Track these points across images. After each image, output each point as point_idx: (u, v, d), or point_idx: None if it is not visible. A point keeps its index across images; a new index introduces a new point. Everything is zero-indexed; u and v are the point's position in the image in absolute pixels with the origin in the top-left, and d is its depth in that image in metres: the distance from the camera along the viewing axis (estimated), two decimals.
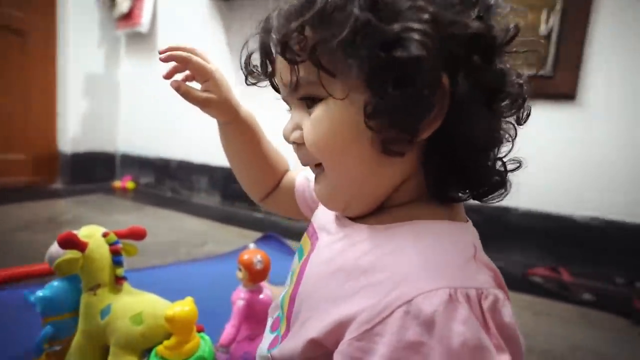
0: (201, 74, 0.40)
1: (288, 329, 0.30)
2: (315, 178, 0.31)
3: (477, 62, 0.23)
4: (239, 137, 0.44)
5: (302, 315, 0.29)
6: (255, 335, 0.52)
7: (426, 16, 0.22)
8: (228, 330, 0.50)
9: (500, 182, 0.27)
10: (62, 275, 0.50)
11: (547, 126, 1.13)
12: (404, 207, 0.29)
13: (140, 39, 1.94)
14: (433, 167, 0.27)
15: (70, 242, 0.48)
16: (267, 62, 0.31)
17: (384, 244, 0.26)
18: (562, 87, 1.10)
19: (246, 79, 0.36)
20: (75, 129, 1.92)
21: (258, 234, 1.34)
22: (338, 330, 0.24)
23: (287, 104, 0.32)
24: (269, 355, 0.31)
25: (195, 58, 0.39)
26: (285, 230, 1.42)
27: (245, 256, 0.53)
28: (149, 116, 1.99)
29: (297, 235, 1.29)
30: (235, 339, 0.50)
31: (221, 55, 1.70)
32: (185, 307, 0.47)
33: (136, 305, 0.50)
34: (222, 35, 1.70)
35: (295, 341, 0.28)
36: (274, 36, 0.28)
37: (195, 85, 0.42)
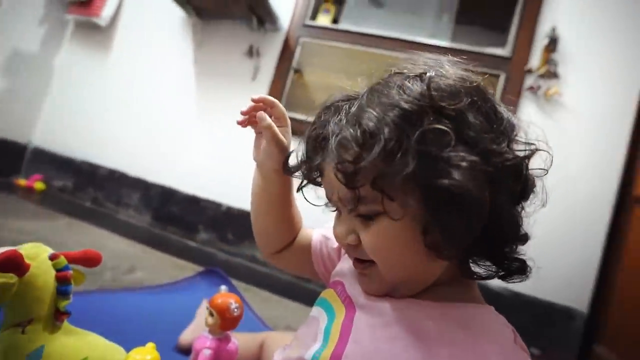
0: (282, 119, 0.44)
1: None
2: (363, 271, 0.35)
3: (514, 183, 0.29)
4: (280, 187, 0.45)
5: None
6: None
7: (473, 156, 0.27)
8: None
9: (521, 267, 0.32)
10: None
11: None
12: (443, 287, 0.33)
13: (93, 30, 1.77)
14: (469, 257, 0.32)
15: (14, 264, 0.39)
16: (315, 177, 0.36)
17: (444, 319, 0.30)
18: None
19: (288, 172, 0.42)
20: None
21: (194, 266, 1.23)
22: None
23: (333, 206, 0.36)
24: None
25: (280, 105, 0.45)
26: (222, 264, 1.34)
27: (219, 300, 0.49)
28: (82, 113, 1.77)
29: (234, 271, 1.23)
30: None
31: (186, 72, 1.64)
32: (146, 356, 0.41)
33: (79, 350, 0.41)
34: (190, 52, 1.65)
35: None
36: (333, 163, 0.31)
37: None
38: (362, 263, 0.34)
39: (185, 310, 0.78)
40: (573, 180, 1.29)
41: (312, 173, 0.36)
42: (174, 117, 1.64)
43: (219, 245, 1.49)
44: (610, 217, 1.26)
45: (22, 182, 1.66)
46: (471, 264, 0.33)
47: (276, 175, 0.44)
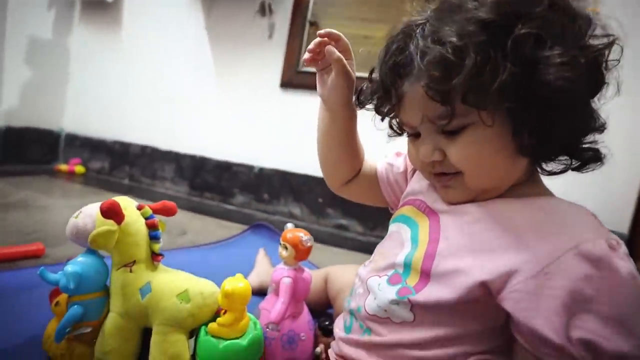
0: (347, 52, 0.44)
1: (425, 280, 0.35)
2: (447, 183, 0.37)
3: (595, 75, 0.30)
4: (346, 120, 0.47)
5: (451, 267, 0.33)
6: (297, 314, 0.52)
7: (570, 52, 0.28)
8: (278, 307, 0.49)
9: (595, 156, 0.34)
10: (98, 249, 0.45)
11: None
12: (518, 187, 0.35)
13: (101, 8, 1.75)
14: (551, 152, 0.34)
15: (114, 212, 0.43)
16: (394, 100, 0.36)
17: (528, 208, 0.33)
18: None
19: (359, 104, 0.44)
20: (11, 100, 1.66)
21: (237, 225, 1.30)
22: (506, 276, 0.29)
23: (410, 131, 0.38)
24: (407, 299, 0.35)
25: (344, 37, 0.45)
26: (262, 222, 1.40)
27: (289, 235, 0.53)
28: (105, 94, 1.80)
29: (274, 226, 1.28)
30: (285, 315, 0.49)
31: (198, 38, 1.62)
32: (239, 282, 0.46)
33: (180, 283, 0.47)
34: (201, 18, 1.62)
35: (448, 287, 0.33)
36: (423, 83, 0.32)
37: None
38: (446, 176, 0.36)
39: (245, 261, 0.84)
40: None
41: (389, 101, 0.37)
42: (194, 86, 1.65)
43: (255, 205, 1.55)
44: None
45: (63, 167, 1.74)
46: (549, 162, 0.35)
47: (342, 108, 0.46)
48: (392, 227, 0.43)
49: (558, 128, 0.30)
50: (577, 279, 0.27)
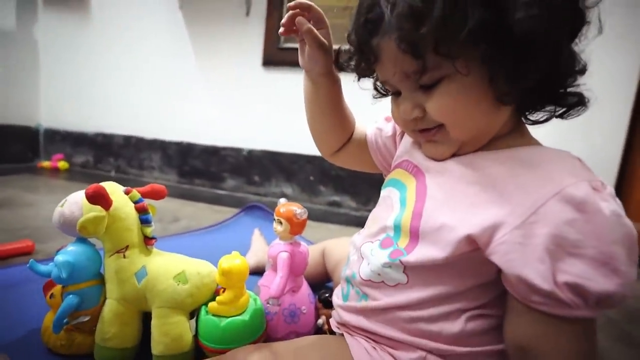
0: (320, 21, 0.43)
1: (415, 241, 0.35)
2: (432, 138, 0.36)
3: (572, 15, 0.29)
4: (330, 89, 0.46)
5: (437, 224, 0.33)
6: (297, 288, 0.53)
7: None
8: (277, 282, 0.49)
9: (579, 100, 0.33)
10: (87, 236, 0.44)
11: None
12: (503, 138, 0.35)
13: None
14: (532, 99, 0.33)
15: (100, 196, 0.42)
16: (370, 58, 0.35)
17: (510, 161, 0.32)
18: None
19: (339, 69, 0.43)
20: None
21: (229, 209, 1.29)
22: (491, 229, 0.29)
23: (390, 89, 0.37)
24: (399, 261, 0.35)
25: (316, 6, 0.43)
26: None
27: (282, 209, 0.53)
28: (80, 84, 1.73)
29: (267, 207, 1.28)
30: (285, 290, 0.50)
31: (173, 19, 1.56)
32: (236, 259, 0.45)
33: (176, 265, 0.46)
34: (176, 5, 1.54)
35: (437, 245, 0.33)
36: (394, 37, 0.31)
37: None
38: (429, 131, 0.36)
39: (240, 242, 0.84)
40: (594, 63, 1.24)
41: (367, 60, 0.36)
42: (173, 69, 1.59)
43: (246, 188, 1.54)
44: (637, 87, 1.23)
45: (46, 164, 1.69)
46: (533, 112, 0.34)
47: (324, 78, 0.45)
48: (383, 192, 0.43)
49: (535, 72, 0.29)
50: (561, 224, 0.27)
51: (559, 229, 0.27)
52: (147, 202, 0.51)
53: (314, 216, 1.31)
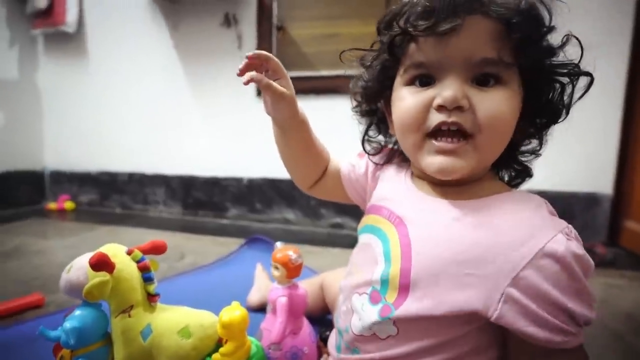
0: (279, 71, 0.44)
1: (405, 295, 0.35)
2: (456, 148, 0.34)
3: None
4: (297, 131, 0.48)
5: (426, 283, 0.34)
6: (297, 329, 0.54)
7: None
8: (278, 327, 0.51)
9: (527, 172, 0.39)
10: (93, 300, 0.46)
11: None
12: (477, 184, 0.37)
13: (64, 40, 1.73)
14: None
15: (104, 264, 0.45)
16: (448, 26, 0.32)
17: (489, 217, 0.34)
18: None
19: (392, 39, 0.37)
20: None
21: (232, 240, 1.31)
22: (482, 303, 0.32)
23: (431, 73, 0.34)
24: (391, 318, 0.36)
25: (274, 58, 0.44)
26: (259, 232, 1.42)
27: (279, 255, 0.55)
28: (82, 126, 1.79)
29: (271, 236, 1.30)
30: (285, 334, 0.51)
31: (168, 58, 1.61)
32: (236, 311, 0.47)
33: (179, 320, 0.48)
34: (168, 37, 1.61)
35: (426, 300, 0.34)
36: (494, 17, 0.32)
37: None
38: (453, 139, 0.34)
39: (244, 278, 0.86)
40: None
41: (441, 27, 0.32)
42: (171, 105, 1.64)
43: (250, 217, 1.56)
44: (625, 94, 1.25)
45: (52, 205, 1.73)
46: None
47: (290, 122, 0.46)
48: (362, 237, 0.44)
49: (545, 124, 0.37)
50: (549, 278, 0.30)
51: (548, 283, 0.30)
52: (149, 257, 0.53)
53: (318, 241, 1.33)
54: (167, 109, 1.65)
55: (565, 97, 0.36)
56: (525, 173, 0.40)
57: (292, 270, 0.54)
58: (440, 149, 0.34)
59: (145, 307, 0.49)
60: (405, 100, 0.36)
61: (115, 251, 0.50)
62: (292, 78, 0.47)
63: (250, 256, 1.06)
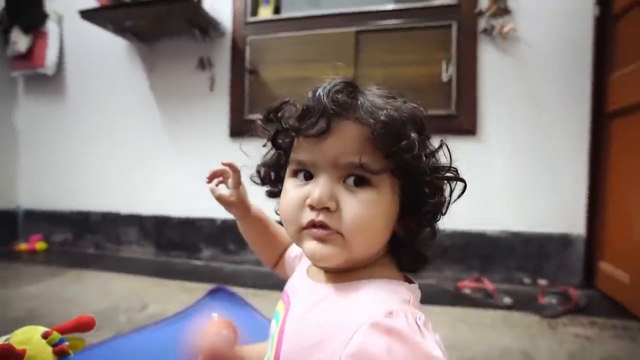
0: (237, 184, 0.53)
1: None
2: (326, 237, 0.34)
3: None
4: (254, 227, 0.56)
5: None
6: None
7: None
8: None
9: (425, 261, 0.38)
10: None
11: (455, 157, 1.32)
12: (366, 269, 0.36)
13: (44, 81, 1.75)
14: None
15: (7, 356, 0.42)
16: (322, 127, 0.34)
17: (345, 300, 0.34)
18: (465, 124, 1.31)
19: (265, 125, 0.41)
20: None
21: (201, 286, 1.28)
22: None
23: (308, 170, 0.36)
24: None
25: (239, 173, 0.53)
26: (229, 275, 1.39)
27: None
28: (58, 165, 1.78)
29: (244, 278, 1.27)
30: None
31: (144, 98, 1.63)
32: None
33: None
34: (144, 78, 1.63)
35: None
36: (369, 123, 0.33)
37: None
38: (326, 229, 0.34)
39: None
40: (545, 111, 1.30)
41: (316, 127, 0.33)
42: (146, 146, 1.65)
43: (223, 258, 1.53)
44: (589, 138, 1.27)
45: (22, 246, 1.69)
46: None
47: (243, 220, 0.55)
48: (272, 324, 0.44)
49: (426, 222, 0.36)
50: (371, 343, 0.29)
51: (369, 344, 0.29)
52: (74, 336, 0.51)
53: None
54: (142, 148, 1.65)
55: (445, 197, 0.36)
56: (422, 260, 0.38)
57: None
58: (314, 235, 0.35)
59: None
60: (287, 194, 0.37)
61: (30, 336, 0.47)
62: None
63: (213, 307, 1.02)
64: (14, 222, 1.81)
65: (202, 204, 1.58)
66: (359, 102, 0.33)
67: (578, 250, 1.28)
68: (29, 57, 1.69)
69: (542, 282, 1.27)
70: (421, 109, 0.36)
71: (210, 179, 0.54)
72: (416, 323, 0.30)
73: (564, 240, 1.29)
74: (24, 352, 0.44)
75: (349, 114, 0.33)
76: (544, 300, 1.14)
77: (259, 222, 0.56)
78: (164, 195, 1.62)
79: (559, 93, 1.29)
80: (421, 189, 0.35)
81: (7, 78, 1.76)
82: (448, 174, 0.36)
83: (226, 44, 1.52)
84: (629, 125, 1.13)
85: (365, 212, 0.33)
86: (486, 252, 1.32)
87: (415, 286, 0.37)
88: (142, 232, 1.65)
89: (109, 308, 1.07)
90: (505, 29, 1.30)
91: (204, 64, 1.52)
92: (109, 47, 1.65)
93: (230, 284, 1.17)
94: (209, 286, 1.20)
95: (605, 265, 1.22)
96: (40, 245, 1.70)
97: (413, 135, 0.33)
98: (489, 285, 1.22)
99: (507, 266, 1.31)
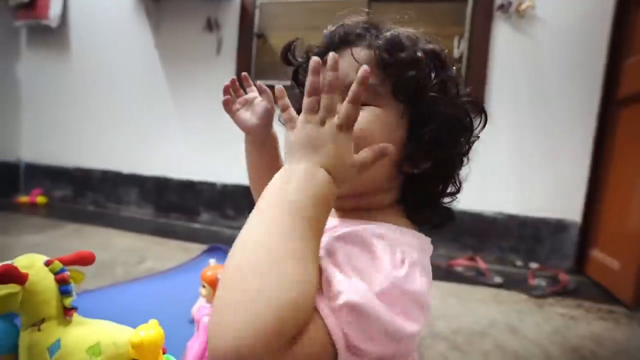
0: (270, 99, 0.50)
1: None
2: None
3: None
4: (273, 149, 0.52)
5: None
6: None
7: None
8: (196, 348, 0.50)
9: (450, 215, 0.38)
10: (2, 313, 0.45)
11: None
12: (380, 211, 0.37)
13: (48, 33, 1.72)
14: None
15: (10, 276, 0.43)
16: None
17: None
18: None
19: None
20: None
21: (199, 246, 1.30)
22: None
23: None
24: None
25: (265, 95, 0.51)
26: (227, 240, 1.40)
27: (209, 272, 0.54)
28: (61, 121, 1.77)
29: None
30: (205, 355, 0.50)
31: (148, 56, 1.61)
32: (150, 330, 0.46)
33: (91, 336, 0.47)
34: (150, 36, 1.60)
35: None
36: (378, 50, 0.34)
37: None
38: None
39: (196, 287, 0.85)
40: (554, 96, 1.28)
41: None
42: (150, 107, 1.63)
43: (221, 222, 1.55)
44: (596, 125, 1.26)
45: (24, 199, 1.71)
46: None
47: (269, 136, 0.51)
48: None
49: (436, 154, 0.35)
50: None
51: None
52: (74, 268, 0.52)
53: None
54: (145, 108, 1.64)
55: (457, 136, 0.36)
56: (435, 211, 0.38)
57: None
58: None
59: (59, 321, 0.47)
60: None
61: (32, 261, 0.48)
62: (268, 86, 0.50)
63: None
64: (16, 175, 1.82)
65: (203, 167, 1.59)
66: (365, 31, 0.35)
67: (572, 236, 1.29)
68: (32, 7, 1.65)
69: (534, 265, 1.29)
70: (443, 49, 0.36)
71: (225, 92, 0.50)
72: (401, 259, 0.29)
73: (558, 226, 1.30)
74: (26, 275, 0.45)
75: (362, 42, 0.35)
76: (534, 281, 1.16)
77: (278, 147, 0.53)
78: (166, 157, 1.62)
79: (570, 78, 1.27)
80: (430, 117, 0.34)
81: (10, 27, 1.73)
82: (458, 109, 0.35)
83: (235, 6, 1.48)
84: (639, 115, 1.12)
85: (365, 125, 0.33)
86: (481, 232, 1.33)
87: (426, 239, 0.36)
88: (142, 193, 1.66)
89: (106, 260, 1.09)
90: (523, 6, 1.26)
91: (211, 25, 1.49)
92: (115, 1, 1.61)
93: (228, 247, 1.19)
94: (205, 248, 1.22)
95: (597, 253, 1.24)
96: (40, 199, 1.72)
97: (419, 54, 0.33)
98: (481, 264, 1.24)
99: (501, 247, 1.33)
